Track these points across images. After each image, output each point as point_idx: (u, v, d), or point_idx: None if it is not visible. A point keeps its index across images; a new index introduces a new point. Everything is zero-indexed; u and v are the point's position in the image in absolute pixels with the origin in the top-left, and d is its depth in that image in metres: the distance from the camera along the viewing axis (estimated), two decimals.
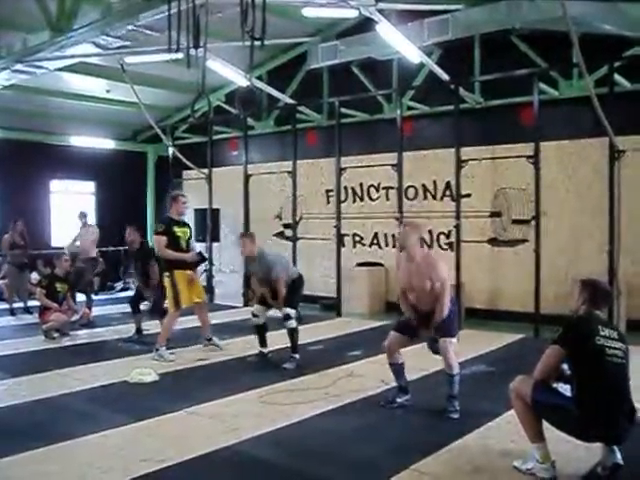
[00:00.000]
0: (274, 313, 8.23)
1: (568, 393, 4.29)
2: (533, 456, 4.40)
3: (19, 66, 9.27)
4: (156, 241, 8.47)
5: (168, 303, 8.51)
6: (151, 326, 9.67)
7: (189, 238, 8.74)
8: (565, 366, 4.37)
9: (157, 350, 8.24)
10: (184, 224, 8.69)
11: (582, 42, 8.98)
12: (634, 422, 4.23)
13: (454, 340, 5.86)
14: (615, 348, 4.23)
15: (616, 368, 4.20)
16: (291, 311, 7.90)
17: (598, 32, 9.60)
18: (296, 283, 8.11)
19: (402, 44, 10.29)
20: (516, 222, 11.13)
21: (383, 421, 5.77)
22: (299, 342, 8.06)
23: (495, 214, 11.41)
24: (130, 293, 14.20)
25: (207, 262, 8.76)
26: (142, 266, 9.72)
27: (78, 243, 11.91)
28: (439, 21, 11.04)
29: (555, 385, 4.38)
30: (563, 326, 4.38)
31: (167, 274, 8.40)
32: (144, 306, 9.85)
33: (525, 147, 10.14)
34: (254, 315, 8.14)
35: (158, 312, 9.33)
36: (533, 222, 10.07)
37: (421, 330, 5.98)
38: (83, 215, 12.22)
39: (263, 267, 7.96)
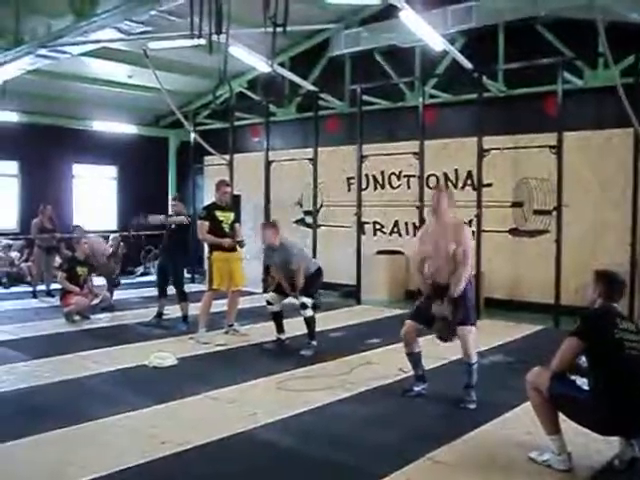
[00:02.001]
0: (290, 301, 8.25)
1: (585, 387, 4.27)
2: (549, 448, 4.39)
3: (43, 51, 9.31)
4: (199, 226, 8.79)
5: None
6: (172, 311, 9.74)
7: (233, 222, 8.90)
8: (582, 359, 4.35)
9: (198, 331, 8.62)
10: (228, 209, 8.94)
11: (608, 31, 8.92)
12: None
13: (473, 329, 5.85)
14: (634, 341, 4.19)
15: (635, 361, 4.17)
16: (307, 300, 7.92)
17: (625, 21, 9.47)
18: (314, 275, 8.13)
19: (425, 31, 10.21)
20: (537, 212, 11.05)
21: (400, 409, 5.78)
22: (317, 329, 8.09)
23: (516, 204, 11.33)
24: (150, 277, 14.37)
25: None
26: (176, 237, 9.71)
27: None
28: (463, 9, 10.96)
29: (573, 378, 4.36)
30: (581, 318, 4.35)
31: (208, 255, 8.91)
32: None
33: (548, 137, 10.05)
34: (269, 303, 8.19)
35: (180, 295, 9.47)
36: (555, 213, 9.99)
37: (435, 304, 5.88)
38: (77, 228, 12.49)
39: (283, 257, 7.99)
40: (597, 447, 4.59)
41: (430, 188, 11.82)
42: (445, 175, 12.10)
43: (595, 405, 4.15)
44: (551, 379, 4.29)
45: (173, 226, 9.64)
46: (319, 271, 8.23)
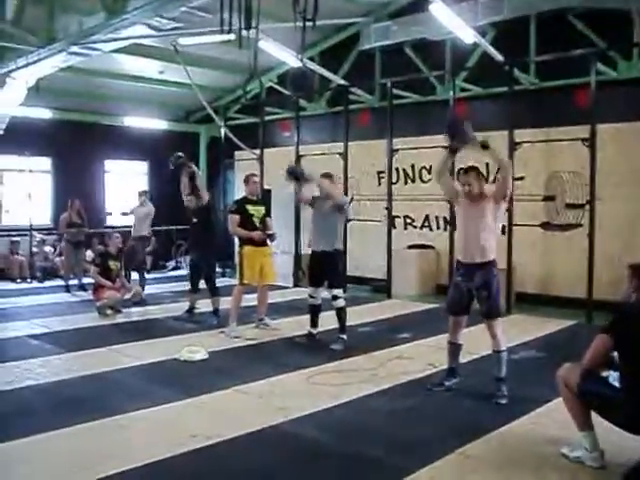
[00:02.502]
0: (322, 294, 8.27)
1: (616, 382, 4.21)
2: (581, 444, 4.34)
3: (75, 48, 9.42)
4: (229, 220, 8.86)
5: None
6: (203, 305, 9.81)
7: (264, 216, 8.92)
8: (615, 353, 4.29)
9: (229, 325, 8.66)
10: (259, 203, 8.98)
11: None
12: None
13: (500, 319, 5.86)
14: None
15: None
16: (339, 291, 7.97)
17: None
18: (337, 256, 8.10)
19: (455, 24, 10.15)
20: (570, 206, 10.92)
21: (430, 404, 5.76)
22: (348, 323, 8.09)
23: (548, 198, 11.21)
24: (182, 272, 14.47)
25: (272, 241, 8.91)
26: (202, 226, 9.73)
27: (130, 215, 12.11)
28: (494, 0, 10.84)
29: (606, 374, 4.30)
30: (613, 314, 4.29)
31: (239, 249, 8.87)
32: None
33: (581, 130, 9.92)
34: (311, 296, 8.19)
35: (212, 289, 9.56)
36: (587, 206, 9.87)
37: (471, 298, 5.89)
38: (144, 192, 12.43)
39: (334, 204, 7.99)
40: (630, 445, 4.52)
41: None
42: (460, 169, 11.96)
43: (625, 402, 4.10)
44: (582, 376, 4.24)
45: (196, 220, 9.68)
46: (341, 254, 8.22)
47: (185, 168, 9.91)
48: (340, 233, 8.15)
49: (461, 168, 6.52)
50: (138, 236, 11.92)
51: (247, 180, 9.04)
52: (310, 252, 8.36)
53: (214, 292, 9.55)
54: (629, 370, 4.16)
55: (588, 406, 4.29)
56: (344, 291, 8.14)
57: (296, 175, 8.17)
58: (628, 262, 4.58)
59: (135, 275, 11.73)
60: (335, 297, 7.93)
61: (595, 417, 4.32)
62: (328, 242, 7.97)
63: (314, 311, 8.25)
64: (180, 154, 9.99)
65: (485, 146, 5.55)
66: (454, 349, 6.12)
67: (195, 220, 9.74)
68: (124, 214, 12.27)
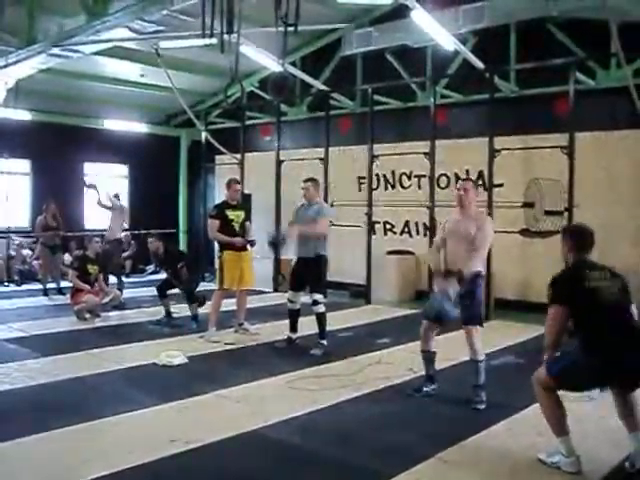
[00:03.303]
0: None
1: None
2: (558, 450, 4.37)
3: (55, 50, 9.36)
4: (209, 225, 8.87)
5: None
6: (181, 309, 9.77)
7: (244, 221, 8.90)
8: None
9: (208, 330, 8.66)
10: (239, 207, 8.94)
11: (621, 31, 8.90)
12: None
13: (479, 328, 5.85)
14: (608, 287, 4.26)
15: (613, 305, 4.23)
16: (319, 296, 7.96)
17: (637, 21, 9.42)
18: (321, 261, 8.07)
19: (437, 31, 10.19)
20: (549, 213, 11.01)
21: (409, 409, 5.78)
22: (328, 328, 8.10)
23: (527, 205, 11.29)
24: (161, 276, 14.41)
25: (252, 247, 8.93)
26: (172, 271, 9.78)
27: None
28: (475, 8, 10.92)
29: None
30: (550, 285, 4.38)
31: (219, 254, 8.87)
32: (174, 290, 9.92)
33: (560, 137, 10.01)
34: (290, 301, 8.18)
35: (190, 300, 9.54)
36: (566, 213, 9.96)
37: (439, 279, 5.96)
38: (115, 196, 12.33)
39: (318, 210, 8.05)
40: (606, 450, 4.58)
41: (441, 188, 11.85)
42: (456, 175, 12.07)
43: (588, 360, 4.17)
44: (546, 366, 4.31)
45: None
46: (326, 259, 8.21)
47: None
48: (323, 238, 8.13)
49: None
50: (113, 239, 11.80)
51: (229, 185, 9.01)
52: (292, 258, 8.36)
53: (191, 300, 9.51)
54: (582, 327, 4.25)
55: (562, 388, 4.34)
56: (325, 296, 8.14)
57: (277, 243, 8.19)
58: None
59: (114, 279, 11.66)
60: (315, 302, 7.93)
61: (571, 424, 4.35)
62: (311, 248, 7.97)
63: (293, 316, 8.24)
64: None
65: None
66: (428, 357, 6.13)
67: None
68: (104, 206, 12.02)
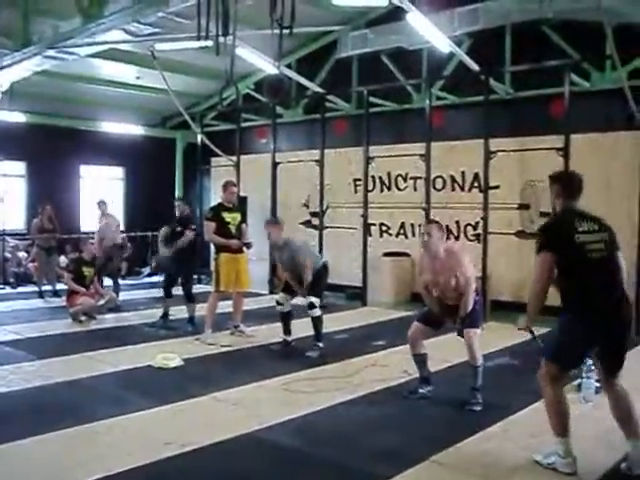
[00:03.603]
0: (298, 301, 8.26)
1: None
2: (555, 451, 4.37)
3: (51, 52, 9.36)
4: (205, 227, 8.84)
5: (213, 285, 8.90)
6: (177, 312, 9.76)
7: (240, 223, 8.92)
8: None
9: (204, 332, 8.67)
10: (235, 210, 8.94)
11: (615, 33, 8.92)
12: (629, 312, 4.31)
13: (478, 331, 5.85)
14: (594, 242, 4.28)
15: (600, 262, 4.26)
16: (315, 300, 7.95)
17: (632, 23, 9.45)
18: (321, 272, 8.13)
19: (432, 33, 10.21)
20: (544, 215, 10.99)
21: (405, 411, 5.78)
22: (324, 331, 8.09)
23: (523, 206, 11.31)
24: (157, 278, 14.38)
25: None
26: (182, 229, 9.70)
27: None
28: (470, 10, 10.94)
29: None
30: (540, 231, 4.43)
31: (215, 257, 8.81)
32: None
33: (555, 139, 10.02)
34: (278, 303, 8.18)
35: (188, 296, 9.50)
36: None
37: (446, 321, 5.99)
38: (103, 203, 12.28)
39: (289, 254, 8.01)
40: (602, 452, 4.58)
41: (437, 190, 11.86)
42: (452, 177, 12.10)
43: (574, 323, 4.25)
44: (544, 355, 4.39)
45: (179, 229, 9.67)
46: (326, 267, 8.23)
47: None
48: (312, 259, 8.12)
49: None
50: (112, 245, 11.79)
51: (225, 187, 8.98)
52: None
53: (190, 299, 9.50)
54: (567, 281, 4.29)
55: (567, 366, 4.39)
56: (321, 299, 8.13)
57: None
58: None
59: (109, 281, 11.65)
60: (311, 305, 7.91)
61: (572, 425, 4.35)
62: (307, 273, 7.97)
63: (284, 318, 8.24)
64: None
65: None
66: (420, 359, 6.14)
67: (179, 229, 9.74)
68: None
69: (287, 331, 8.25)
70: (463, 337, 5.89)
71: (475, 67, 11.13)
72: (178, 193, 17.08)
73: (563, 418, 4.33)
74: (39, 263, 12.83)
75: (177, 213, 10.03)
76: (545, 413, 4.44)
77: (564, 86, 9.80)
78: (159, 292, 9.97)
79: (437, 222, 6.23)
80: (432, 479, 4.33)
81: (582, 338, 4.28)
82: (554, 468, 4.34)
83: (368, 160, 12.13)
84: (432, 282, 5.95)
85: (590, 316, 4.20)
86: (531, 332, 4.57)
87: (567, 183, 4.57)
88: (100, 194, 14.55)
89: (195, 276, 13.69)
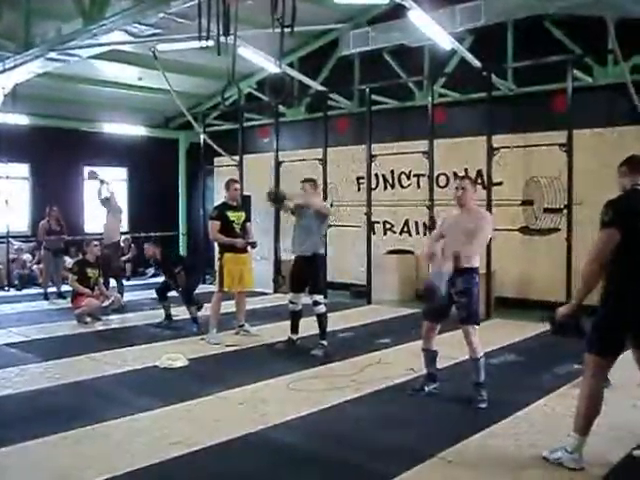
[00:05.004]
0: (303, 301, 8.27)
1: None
2: (562, 446, 4.36)
3: (53, 54, 9.37)
4: (210, 226, 8.83)
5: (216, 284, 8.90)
6: (181, 312, 9.76)
7: (244, 221, 8.91)
8: None
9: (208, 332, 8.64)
10: (239, 208, 8.92)
11: (618, 27, 8.89)
12: None
13: (476, 327, 5.83)
14: None
15: None
16: (320, 297, 7.98)
17: (634, 17, 9.42)
18: (319, 260, 8.16)
19: (434, 30, 10.19)
20: (548, 211, 11.01)
21: (411, 409, 5.77)
22: (328, 329, 8.09)
23: (527, 202, 11.29)
24: (161, 279, 14.40)
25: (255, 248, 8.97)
26: (169, 275, 9.76)
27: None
28: (471, 7, 10.91)
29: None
30: (610, 206, 4.25)
31: (219, 256, 8.81)
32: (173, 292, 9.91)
33: (558, 135, 10.01)
34: (292, 302, 8.17)
35: (189, 303, 9.49)
36: (565, 211, 9.96)
37: (449, 307, 5.91)
38: (106, 200, 12.25)
39: (314, 211, 8.00)
40: (609, 448, 4.56)
41: (440, 187, 11.85)
42: (455, 174, 12.05)
43: (618, 308, 4.17)
44: (586, 345, 4.28)
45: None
46: (323, 258, 8.20)
47: None
48: (321, 238, 8.19)
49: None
50: (110, 243, 11.73)
51: (228, 185, 8.97)
52: (292, 258, 8.37)
53: (189, 303, 9.50)
54: (623, 262, 4.18)
55: (609, 354, 4.25)
56: (325, 297, 8.14)
57: (276, 198, 8.16)
58: None
59: (114, 282, 11.67)
60: (316, 303, 7.92)
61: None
62: (309, 247, 7.98)
63: (295, 317, 8.23)
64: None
65: None
66: (429, 355, 6.13)
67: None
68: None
69: (295, 330, 8.23)
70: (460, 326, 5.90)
71: (477, 63, 11.12)
72: (181, 193, 17.14)
73: (591, 417, 4.28)
74: (45, 265, 12.86)
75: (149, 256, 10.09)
76: (550, 410, 4.44)
77: (567, 81, 9.78)
78: (156, 295, 9.98)
79: (471, 179, 6.28)
80: (439, 476, 4.32)
81: (623, 324, 4.21)
82: (560, 463, 4.33)
83: (371, 158, 12.12)
84: (450, 230, 5.93)
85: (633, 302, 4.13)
86: (575, 320, 4.39)
87: (631, 160, 4.55)
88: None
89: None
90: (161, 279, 10.31)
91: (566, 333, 4.48)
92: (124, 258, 14.41)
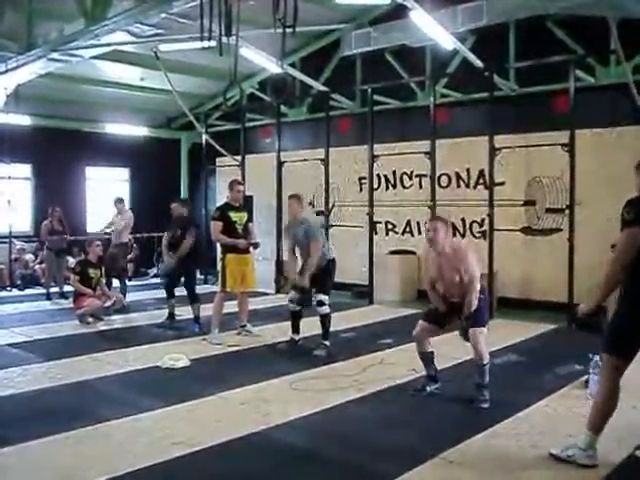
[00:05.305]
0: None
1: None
2: (574, 444, 4.36)
3: (55, 55, 9.39)
4: (212, 226, 8.83)
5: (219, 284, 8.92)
6: (184, 312, 9.77)
7: (247, 222, 8.90)
8: None
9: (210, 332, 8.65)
10: (241, 209, 8.91)
11: (620, 27, 8.89)
12: None
13: (484, 330, 5.82)
14: None
15: None
16: (324, 297, 7.92)
17: (636, 17, 9.42)
18: (329, 266, 8.12)
19: (436, 31, 10.18)
20: (550, 211, 11.01)
21: (412, 409, 5.77)
22: (330, 329, 8.08)
23: (529, 203, 11.29)
24: (163, 279, 14.40)
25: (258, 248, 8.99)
26: (182, 232, 9.64)
27: (112, 228, 12.01)
28: (473, 7, 10.91)
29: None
30: (630, 205, 4.20)
31: (221, 257, 8.84)
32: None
33: (560, 135, 10.00)
34: (291, 301, 8.17)
35: (190, 296, 9.49)
36: (567, 211, 9.95)
37: (451, 319, 5.98)
38: (120, 200, 12.31)
39: (305, 230, 8.00)
40: (611, 448, 4.54)
41: (442, 188, 11.85)
42: (457, 174, 12.09)
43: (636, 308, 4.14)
44: (603, 346, 4.27)
45: (180, 231, 9.66)
46: (334, 262, 8.22)
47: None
48: (326, 247, 8.15)
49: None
50: (119, 243, 11.82)
51: (231, 186, 8.96)
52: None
53: (193, 299, 9.50)
54: None
55: (628, 354, 4.22)
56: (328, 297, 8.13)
57: (302, 290, 8.03)
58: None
59: (116, 282, 11.67)
60: (320, 303, 7.89)
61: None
62: (319, 261, 7.98)
63: (295, 317, 8.23)
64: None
65: None
66: (426, 357, 6.14)
67: (180, 231, 9.68)
68: (106, 233, 12.17)
69: (296, 329, 8.24)
70: (465, 339, 5.88)
71: (479, 64, 11.11)
72: (183, 194, 17.13)
73: (607, 417, 4.27)
74: (48, 265, 12.87)
75: (174, 216, 10.01)
76: (552, 410, 4.44)
77: (569, 82, 9.76)
78: (165, 293, 9.97)
79: (442, 218, 6.21)
80: (441, 476, 4.32)
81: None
82: (573, 460, 4.32)
83: (373, 158, 12.12)
84: (437, 279, 5.94)
85: None
86: (597, 318, 4.37)
87: None
88: (103, 195, 14.68)
89: (202, 276, 13.81)
90: (164, 280, 10.29)
91: (589, 330, 4.50)
92: (127, 258, 14.41)
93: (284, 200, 13.49)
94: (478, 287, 5.78)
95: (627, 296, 4.21)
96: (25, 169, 15.09)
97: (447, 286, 5.88)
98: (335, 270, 8.26)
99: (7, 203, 13.89)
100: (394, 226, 13.13)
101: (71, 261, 13.45)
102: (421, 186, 12.51)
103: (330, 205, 13.06)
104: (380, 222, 12.96)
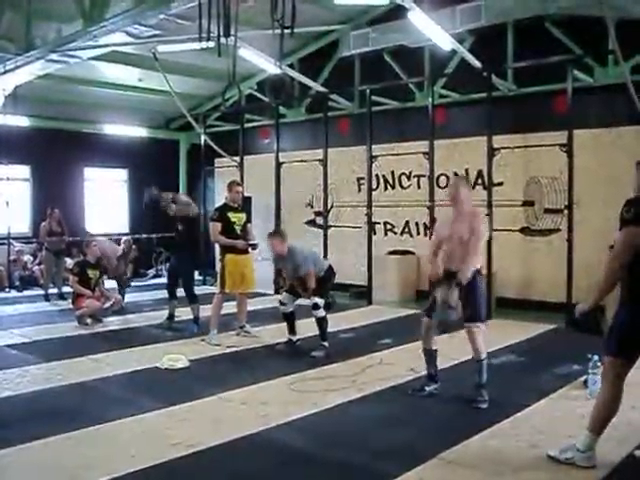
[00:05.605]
0: (303, 301, 8.25)
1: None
2: (573, 445, 4.35)
3: (53, 56, 9.40)
4: (211, 227, 8.82)
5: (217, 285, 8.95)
6: (183, 313, 9.76)
7: (245, 223, 8.90)
8: None
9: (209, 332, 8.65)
10: (240, 210, 8.90)
11: (618, 27, 8.87)
12: None
13: (482, 326, 5.83)
14: None
15: None
16: (319, 300, 7.89)
17: (634, 17, 9.44)
18: (326, 275, 8.12)
19: (434, 31, 10.20)
20: (548, 211, 11.02)
21: (411, 410, 5.77)
22: (329, 330, 8.08)
23: (527, 203, 11.30)
24: (162, 280, 14.39)
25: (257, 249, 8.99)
26: (184, 227, 9.63)
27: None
28: (471, 7, 10.93)
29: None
30: (628, 205, 4.16)
31: (220, 258, 8.86)
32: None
33: (558, 135, 10.00)
34: (282, 303, 8.18)
35: (189, 296, 9.49)
36: (566, 211, 9.96)
37: (441, 288, 5.89)
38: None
39: (293, 263, 7.99)
40: (611, 447, 4.54)
41: (441, 188, 11.85)
42: (455, 175, 12.07)
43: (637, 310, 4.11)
44: (604, 347, 4.25)
45: (180, 227, 9.63)
46: (330, 270, 8.22)
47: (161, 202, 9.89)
48: (317, 266, 8.11)
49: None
50: (119, 256, 11.83)
51: (230, 187, 8.96)
52: None
53: (192, 299, 9.50)
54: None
55: (630, 356, 4.20)
56: (327, 298, 8.11)
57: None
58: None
59: (114, 283, 11.67)
60: (316, 306, 7.87)
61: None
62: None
63: (287, 318, 8.22)
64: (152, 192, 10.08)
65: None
66: (430, 355, 6.13)
67: (180, 227, 9.65)
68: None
69: (292, 331, 8.24)
70: (441, 329, 5.88)
71: (477, 64, 11.12)
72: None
73: (608, 420, 4.27)
74: (47, 266, 12.87)
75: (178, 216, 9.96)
76: (550, 410, 4.44)
77: (567, 82, 9.76)
78: (164, 294, 9.97)
79: (463, 178, 6.30)
80: (440, 476, 4.32)
81: None
82: (572, 462, 4.32)
83: (371, 159, 12.13)
84: (445, 239, 5.93)
85: None
86: (594, 317, 4.33)
87: None
88: (103, 196, 14.68)
89: (200, 277, 13.81)
90: (164, 280, 10.30)
91: (584, 330, 4.45)
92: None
93: (283, 200, 13.57)
94: (479, 255, 5.81)
95: (628, 296, 4.21)
96: (24, 170, 15.09)
97: (453, 246, 5.84)
98: (333, 277, 8.26)
99: (5, 204, 13.86)
100: (393, 226, 13.14)
101: (69, 262, 13.46)
102: (419, 186, 12.51)
103: (329, 206, 13.06)
104: (379, 222, 12.95)
